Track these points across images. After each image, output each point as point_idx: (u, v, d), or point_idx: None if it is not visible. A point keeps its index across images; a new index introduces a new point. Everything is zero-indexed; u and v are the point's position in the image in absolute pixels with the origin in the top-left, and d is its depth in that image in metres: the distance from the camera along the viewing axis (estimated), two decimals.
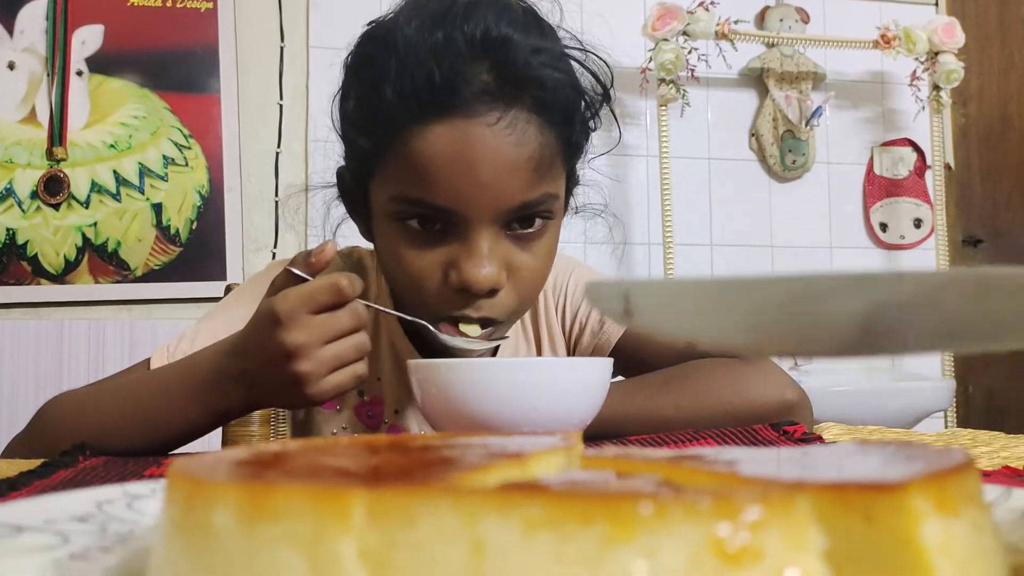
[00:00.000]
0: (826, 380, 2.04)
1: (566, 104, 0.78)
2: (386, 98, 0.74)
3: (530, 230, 0.77)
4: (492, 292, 0.76)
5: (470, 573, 0.17)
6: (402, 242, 0.77)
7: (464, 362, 0.66)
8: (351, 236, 0.91)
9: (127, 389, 0.76)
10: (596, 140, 0.86)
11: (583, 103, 0.80)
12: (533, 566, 0.16)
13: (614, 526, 0.16)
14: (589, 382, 0.65)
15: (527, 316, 0.96)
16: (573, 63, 0.80)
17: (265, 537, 0.18)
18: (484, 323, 0.77)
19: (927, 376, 2.24)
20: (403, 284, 0.79)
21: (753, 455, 0.25)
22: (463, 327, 0.77)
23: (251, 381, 0.68)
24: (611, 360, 0.68)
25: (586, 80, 0.81)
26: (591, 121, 0.82)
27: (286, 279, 0.70)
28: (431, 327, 0.76)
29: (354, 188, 0.84)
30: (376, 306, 0.74)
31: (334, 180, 0.89)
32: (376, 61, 0.76)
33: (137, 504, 0.30)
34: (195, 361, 0.73)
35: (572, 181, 0.86)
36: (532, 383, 0.63)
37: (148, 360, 0.83)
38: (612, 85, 0.83)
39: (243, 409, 0.71)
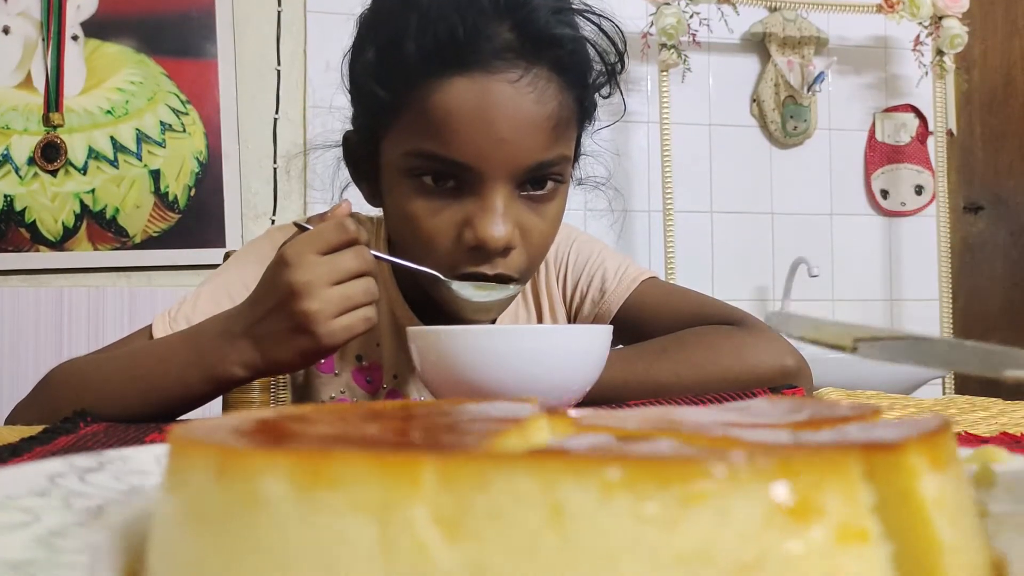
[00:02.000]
0: (823, 348, 2.04)
1: (584, 66, 0.78)
2: (407, 52, 0.73)
3: (542, 192, 0.77)
4: (506, 251, 0.76)
5: (551, 535, 0.17)
6: (415, 200, 0.76)
7: (463, 329, 0.66)
8: (354, 200, 0.90)
9: (130, 358, 0.76)
10: (599, 110, 0.86)
11: (599, 68, 0.80)
12: (612, 528, 0.17)
13: (690, 487, 0.17)
14: (588, 350, 0.66)
15: (528, 284, 0.96)
16: (590, 26, 0.80)
17: (325, 505, 0.18)
18: (499, 280, 0.77)
19: None
20: (415, 243, 0.78)
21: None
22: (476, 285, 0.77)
23: (258, 335, 0.68)
24: (610, 328, 0.68)
25: (602, 42, 0.81)
26: (605, 87, 0.82)
27: (296, 233, 0.71)
28: (440, 276, 0.76)
29: (362, 150, 0.84)
30: (383, 256, 0.73)
31: (338, 141, 0.88)
32: (397, 15, 0.75)
33: (90, 477, 0.29)
34: (200, 327, 0.73)
35: (577, 150, 0.85)
36: (531, 350, 0.63)
37: (150, 327, 0.83)
38: (626, 50, 0.83)
39: (243, 374, 0.70)
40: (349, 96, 0.84)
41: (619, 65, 0.82)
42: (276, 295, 0.67)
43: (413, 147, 0.75)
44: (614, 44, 0.81)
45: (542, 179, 0.77)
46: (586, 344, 0.66)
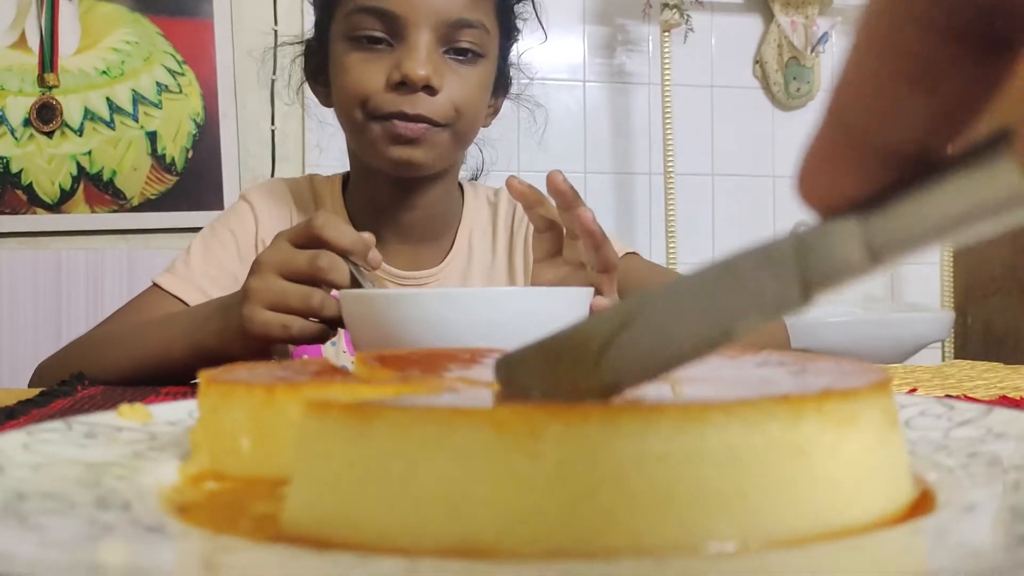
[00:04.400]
0: (823, 311, 2.04)
1: None
2: None
3: (462, 58, 0.87)
4: (430, 91, 0.84)
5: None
6: (353, 56, 0.86)
7: (397, 294, 0.62)
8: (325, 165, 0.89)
9: (135, 327, 0.79)
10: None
11: None
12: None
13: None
14: (556, 313, 0.59)
15: (507, 243, 0.97)
16: None
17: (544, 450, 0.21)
18: (421, 120, 0.84)
19: (925, 307, 2.24)
20: (348, 94, 0.86)
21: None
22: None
23: (230, 304, 0.69)
24: (591, 290, 0.63)
25: None
26: None
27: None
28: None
29: (319, 55, 0.94)
30: (355, 261, 0.68)
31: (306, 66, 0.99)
32: None
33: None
34: (208, 301, 0.76)
35: (505, 60, 0.96)
36: (497, 314, 0.58)
37: (154, 287, 0.85)
38: None
39: (214, 344, 0.69)
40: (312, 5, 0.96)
41: None
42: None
43: (352, 8, 0.85)
44: None
45: (464, 50, 0.86)
46: (553, 307, 0.60)
